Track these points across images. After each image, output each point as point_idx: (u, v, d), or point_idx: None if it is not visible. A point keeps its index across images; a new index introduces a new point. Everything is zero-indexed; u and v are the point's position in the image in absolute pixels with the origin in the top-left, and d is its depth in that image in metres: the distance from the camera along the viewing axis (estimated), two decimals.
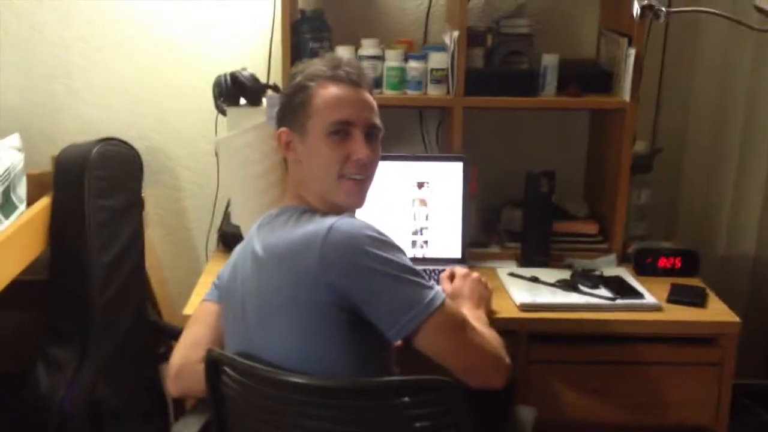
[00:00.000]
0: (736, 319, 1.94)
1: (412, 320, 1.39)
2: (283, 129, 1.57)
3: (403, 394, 1.35)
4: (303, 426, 1.38)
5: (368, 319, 1.40)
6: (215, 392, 1.46)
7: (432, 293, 1.42)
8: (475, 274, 1.80)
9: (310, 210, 1.52)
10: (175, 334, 1.65)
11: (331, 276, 1.38)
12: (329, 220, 1.42)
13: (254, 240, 1.53)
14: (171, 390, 1.60)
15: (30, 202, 2.16)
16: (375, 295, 1.39)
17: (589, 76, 2.29)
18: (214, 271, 1.69)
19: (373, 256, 1.39)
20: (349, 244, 1.39)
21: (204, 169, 2.49)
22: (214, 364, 1.45)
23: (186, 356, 1.57)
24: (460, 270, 1.83)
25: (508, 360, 1.50)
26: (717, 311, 1.98)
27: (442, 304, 1.42)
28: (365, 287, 1.39)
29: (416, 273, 1.43)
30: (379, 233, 1.43)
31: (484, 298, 1.77)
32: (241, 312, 1.49)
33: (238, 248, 1.60)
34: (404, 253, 1.45)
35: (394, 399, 1.36)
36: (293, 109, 1.55)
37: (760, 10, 2.08)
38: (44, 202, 2.18)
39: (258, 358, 1.43)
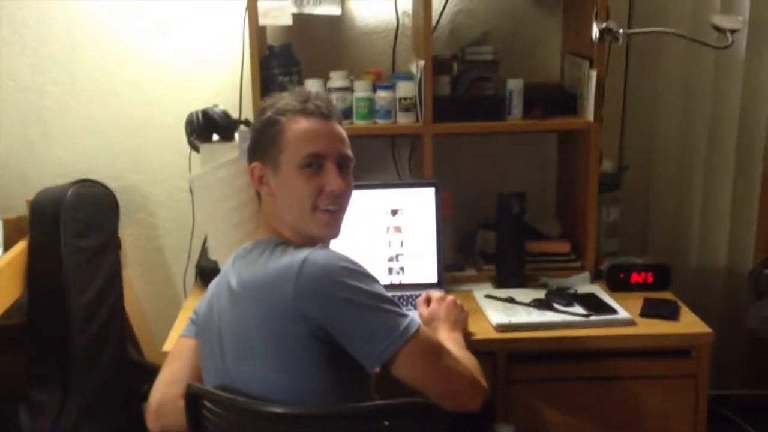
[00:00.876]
0: (708, 330, 1.98)
1: (388, 348, 1.41)
2: (255, 164, 1.59)
3: (384, 419, 1.37)
4: None
5: (345, 349, 1.42)
6: (196, 427, 1.47)
7: (407, 321, 1.44)
8: (450, 297, 1.82)
9: (284, 243, 1.54)
10: (156, 372, 1.67)
11: (306, 307, 1.40)
12: (303, 252, 1.44)
13: (229, 274, 1.54)
14: (151, 428, 1.60)
15: (7, 246, 2.17)
16: (350, 325, 1.41)
17: (554, 99, 2.34)
18: (192, 307, 1.71)
19: (347, 287, 1.41)
20: (323, 275, 1.41)
21: (180, 206, 2.51)
22: (194, 398, 1.45)
23: (165, 393, 1.58)
24: (435, 294, 1.85)
25: (484, 383, 1.51)
26: (689, 323, 2.02)
27: (417, 331, 1.44)
28: (340, 317, 1.41)
29: (391, 302, 1.45)
30: (354, 263, 1.46)
31: (460, 320, 1.79)
32: (219, 346, 1.51)
33: (214, 283, 1.62)
34: (379, 283, 1.47)
35: (374, 424, 1.37)
36: (265, 143, 1.57)
37: (717, 28, 2.14)
38: (21, 246, 2.19)
39: (237, 390, 1.44)
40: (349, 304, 1.40)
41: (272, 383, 1.43)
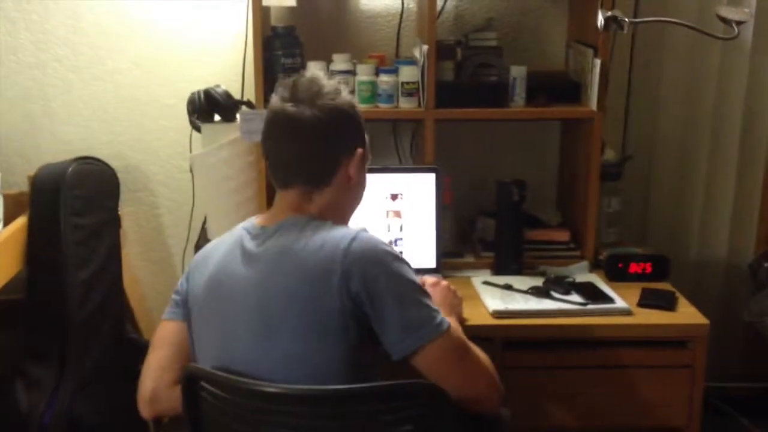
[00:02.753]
0: (705, 321, 1.98)
1: (418, 340, 1.41)
2: (361, 150, 1.56)
3: (388, 400, 1.36)
4: None
5: (375, 333, 1.42)
6: (193, 410, 1.45)
7: (440, 317, 1.45)
8: (444, 282, 1.82)
9: (317, 219, 1.51)
10: None
11: (351, 283, 1.39)
12: (350, 230, 1.46)
13: (245, 249, 1.50)
14: (145, 413, 1.58)
15: (8, 221, 2.17)
16: (388, 310, 1.41)
17: (558, 87, 2.33)
18: None
19: (392, 272, 1.42)
20: (371, 256, 1.42)
21: (181, 185, 2.52)
22: (191, 379, 1.44)
23: (159, 379, 1.55)
24: (429, 278, 1.84)
25: (502, 387, 1.51)
26: (686, 314, 2.02)
27: (449, 328, 1.45)
28: (380, 300, 1.40)
29: (427, 295, 1.47)
30: (394, 250, 1.48)
31: (454, 306, 1.79)
32: (229, 322, 1.47)
33: (216, 261, 1.54)
34: (414, 274, 1.48)
35: (378, 404, 1.36)
36: (362, 131, 1.57)
37: (722, 19, 2.13)
38: (21, 221, 2.19)
39: (238, 371, 1.42)
40: (391, 289, 1.41)
41: (290, 361, 1.41)
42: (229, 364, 1.45)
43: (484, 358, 1.52)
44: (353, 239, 1.42)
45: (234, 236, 1.56)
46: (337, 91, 1.53)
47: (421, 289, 1.46)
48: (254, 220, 1.57)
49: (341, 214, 1.57)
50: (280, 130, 1.52)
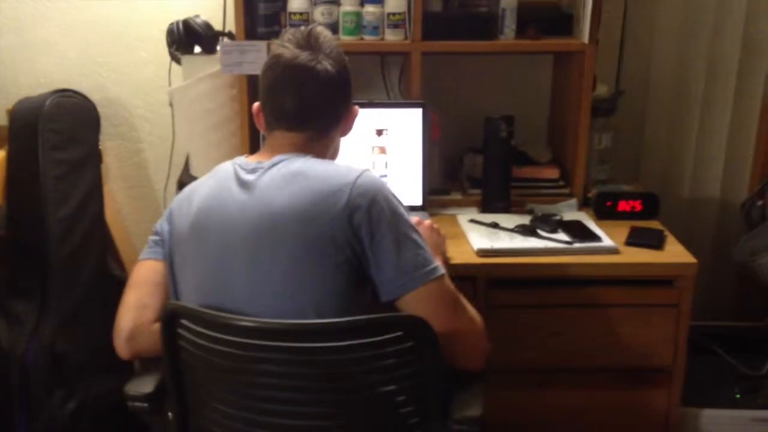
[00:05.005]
0: (693, 260, 1.95)
1: (411, 282, 1.40)
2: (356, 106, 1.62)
3: (374, 333, 1.34)
4: (269, 372, 1.36)
5: (365, 273, 1.40)
6: (171, 348, 1.44)
7: (436, 263, 1.44)
8: (426, 222, 1.78)
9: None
10: None
11: (355, 214, 1.39)
12: (354, 167, 1.46)
13: (242, 180, 1.47)
14: (122, 352, 1.55)
15: None
16: (386, 247, 1.40)
17: (549, 19, 2.26)
18: None
19: (395, 212, 1.43)
20: (379, 193, 1.42)
21: (163, 120, 2.46)
22: (172, 317, 1.41)
23: (138, 317, 1.53)
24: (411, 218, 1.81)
25: (489, 345, 1.51)
26: (674, 253, 1.99)
27: (443, 276, 1.44)
28: (381, 236, 1.39)
29: (424, 240, 1.46)
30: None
31: (438, 244, 1.76)
32: (220, 250, 1.44)
33: (185, 200, 1.54)
34: None
35: (364, 338, 1.34)
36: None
37: None
38: (0, 155, 2.15)
39: (229, 298, 1.41)
40: (393, 228, 1.41)
41: (284, 285, 1.39)
42: (214, 298, 1.43)
43: (474, 314, 1.51)
44: (361, 173, 1.43)
45: (222, 172, 1.53)
46: (339, 46, 1.55)
47: (419, 234, 1.45)
48: (244, 158, 1.55)
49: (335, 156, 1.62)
50: (292, 78, 1.50)
